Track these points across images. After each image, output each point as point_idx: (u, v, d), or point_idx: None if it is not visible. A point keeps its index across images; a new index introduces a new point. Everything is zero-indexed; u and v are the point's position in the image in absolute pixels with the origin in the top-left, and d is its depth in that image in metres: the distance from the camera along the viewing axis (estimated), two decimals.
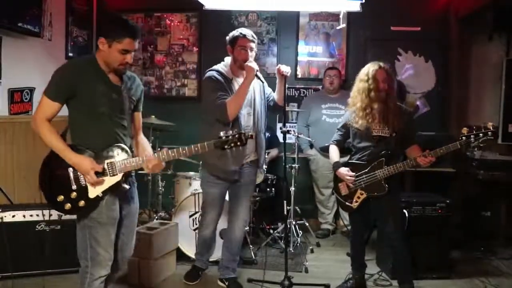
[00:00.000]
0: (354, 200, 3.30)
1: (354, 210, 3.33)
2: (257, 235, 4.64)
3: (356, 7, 4.25)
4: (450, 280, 3.70)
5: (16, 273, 3.35)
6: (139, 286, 3.48)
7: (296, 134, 4.45)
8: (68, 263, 3.42)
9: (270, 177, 4.48)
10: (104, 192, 2.34)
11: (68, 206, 2.31)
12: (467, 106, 5.12)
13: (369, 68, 3.23)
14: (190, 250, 3.88)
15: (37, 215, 3.54)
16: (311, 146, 4.87)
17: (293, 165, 4.38)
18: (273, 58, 5.30)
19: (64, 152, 2.29)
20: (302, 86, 5.32)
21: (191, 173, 4.45)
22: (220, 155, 3.19)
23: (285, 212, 3.28)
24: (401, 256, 3.28)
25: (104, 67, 2.37)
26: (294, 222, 4.44)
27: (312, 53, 5.31)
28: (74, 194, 2.31)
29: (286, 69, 3.20)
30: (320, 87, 5.23)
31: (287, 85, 3.30)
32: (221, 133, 2.42)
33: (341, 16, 4.83)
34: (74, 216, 2.43)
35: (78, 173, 2.31)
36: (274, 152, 4.79)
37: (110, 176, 2.34)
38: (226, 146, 2.41)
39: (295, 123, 5.20)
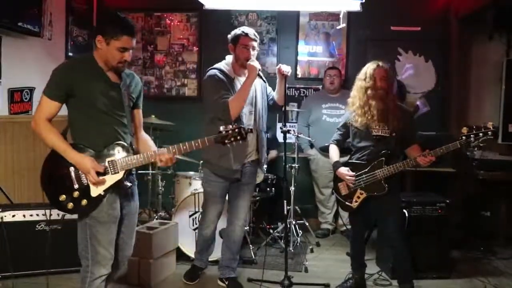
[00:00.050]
0: (354, 200, 3.30)
1: (354, 210, 3.33)
2: (257, 234, 4.64)
3: (356, 7, 4.25)
4: (450, 279, 3.70)
5: (16, 273, 3.35)
6: (139, 286, 3.48)
7: (296, 134, 4.45)
8: (68, 262, 3.42)
9: (270, 177, 4.48)
10: (106, 191, 2.34)
11: (70, 205, 2.31)
12: (467, 106, 5.12)
13: (368, 67, 3.25)
14: (190, 250, 3.88)
15: (37, 215, 3.54)
16: (312, 146, 4.87)
17: (293, 165, 4.38)
18: (273, 57, 5.30)
19: (65, 152, 2.29)
20: (302, 86, 5.32)
21: (191, 172, 4.46)
22: (223, 154, 3.19)
23: (285, 212, 3.29)
24: (401, 256, 3.28)
25: (102, 65, 2.37)
26: (294, 222, 4.44)
27: (312, 53, 5.31)
28: (76, 193, 2.31)
29: (286, 69, 3.21)
30: (320, 86, 5.24)
31: (287, 85, 3.30)
32: (221, 128, 2.42)
33: (341, 16, 4.82)
34: (75, 216, 2.43)
35: (80, 172, 2.31)
36: (273, 153, 4.80)
37: (112, 174, 2.34)
38: (226, 141, 2.41)
39: (295, 122, 5.20)
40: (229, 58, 3.32)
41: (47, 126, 2.30)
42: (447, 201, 3.72)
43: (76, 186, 2.31)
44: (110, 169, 2.34)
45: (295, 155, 4.42)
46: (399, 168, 3.13)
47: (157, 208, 4.74)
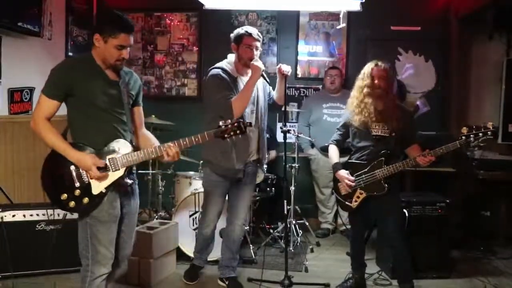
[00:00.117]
0: (354, 200, 3.30)
1: (353, 210, 3.33)
2: (257, 234, 4.64)
3: (356, 6, 4.25)
4: (450, 279, 3.70)
5: (16, 272, 3.35)
6: (139, 286, 3.49)
7: (296, 133, 4.45)
8: (68, 262, 3.42)
9: (270, 177, 4.48)
10: (107, 188, 2.34)
11: (72, 204, 2.31)
12: (467, 105, 5.12)
13: (367, 67, 3.26)
14: (190, 250, 3.88)
15: (37, 215, 3.54)
16: (312, 145, 4.87)
17: (293, 165, 4.39)
18: (273, 57, 5.29)
19: (65, 151, 2.29)
20: (302, 86, 5.32)
21: (191, 172, 4.46)
22: (225, 154, 3.19)
23: (285, 212, 3.29)
24: (401, 256, 3.28)
25: (100, 63, 2.37)
26: (294, 222, 4.44)
27: (312, 53, 5.31)
28: (77, 192, 2.31)
29: (287, 69, 3.20)
30: (320, 86, 5.24)
31: (287, 85, 3.30)
32: (220, 122, 2.42)
33: (341, 16, 4.82)
34: (76, 215, 2.43)
35: (81, 170, 2.31)
36: (272, 153, 4.79)
37: (113, 171, 2.34)
38: (226, 135, 2.40)
39: (295, 122, 5.20)
40: (231, 57, 3.31)
41: (46, 125, 2.30)
42: (447, 201, 3.72)
43: (77, 184, 2.31)
44: (111, 166, 2.34)
45: (295, 155, 4.42)
46: (398, 168, 3.13)
47: (157, 208, 4.74)
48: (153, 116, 4.56)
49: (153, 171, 4.72)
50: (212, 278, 3.63)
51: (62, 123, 2.41)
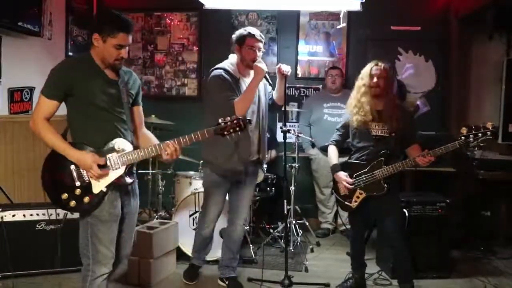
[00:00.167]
0: (353, 200, 3.29)
1: (353, 210, 3.33)
2: (257, 234, 4.64)
3: (356, 6, 4.25)
4: (450, 279, 3.70)
5: (17, 272, 3.35)
6: (139, 285, 3.49)
7: (296, 133, 4.45)
8: (69, 262, 3.42)
9: (270, 177, 4.48)
10: (108, 187, 2.34)
11: (73, 203, 2.31)
12: (467, 105, 5.12)
13: (367, 66, 3.27)
14: (190, 250, 3.85)
15: (37, 215, 3.54)
16: (313, 145, 4.87)
17: (293, 165, 4.39)
18: (273, 57, 5.29)
19: (65, 150, 2.29)
20: (302, 86, 5.32)
21: (191, 172, 4.47)
22: (227, 156, 3.18)
23: (285, 212, 3.28)
24: (401, 256, 3.28)
25: (100, 63, 2.38)
26: (294, 222, 4.44)
27: (312, 53, 5.31)
28: (78, 191, 2.31)
29: (286, 69, 3.19)
30: (320, 86, 5.24)
31: (287, 85, 3.29)
32: (220, 120, 2.41)
33: (341, 16, 4.82)
34: (77, 215, 2.43)
35: (81, 169, 2.31)
36: (272, 153, 4.79)
37: (113, 170, 2.34)
38: (225, 132, 2.40)
39: (295, 122, 5.20)
40: (233, 58, 3.29)
41: (45, 125, 2.30)
42: (447, 201, 3.72)
43: (77, 183, 2.32)
44: (111, 165, 2.34)
45: (295, 155, 4.42)
46: (398, 168, 3.13)
47: (157, 207, 4.74)
48: (153, 116, 4.56)
49: (153, 171, 4.72)
50: (212, 278, 3.63)
51: (62, 123, 2.41)
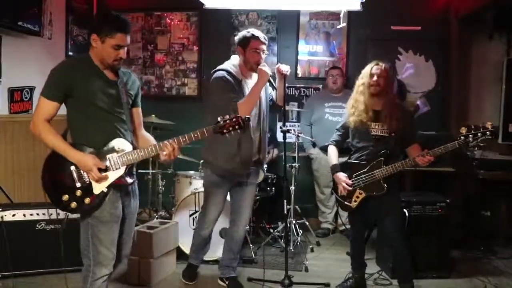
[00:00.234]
0: (353, 200, 3.29)
1: (353, 210, 3.33)
2: (257, 234, 4.64)
3: (356, 6, 4.25)
4: (450, 279, 3.70)
5: (16, 272, 3.35)
6: (139, 285, 3.48)
7: (296, 133, 4.45)
8: (69, 262, 3.42)
9: (270, 176, 4.48)
10: (109, 187, 2.34)
11: (74, 204, 2.31)
12: (467, 105, 5.12)
13: (367, 66, 3.28)
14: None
15: (38, 214, 3.54)
16: (314, 145, 4.87)
17: (293, 164, 4.39)
18: (273, 57, 5.28)
19: (65, 151, 2.29)
20: (302, 86, 5.32)
21: (191, 172, 4.47)
22: (228, 157, 3.17)
23: (285, 211, 3.28)
24: (401, 256, 3.28)
25: (98, 63, 2.38)
26: (294, 221, 4.44)
27: (312, 52, 5.31)
28: (79, 192, 2.31)
29: (285, 68, 3.19)
30: (320, 86, 5.24)
31: (287, 84, 3.28)
32: (219, 118, 2.41)
33: (341, 15, 4.82)
34: (78, 215, 2.42)
35: (81, 170, 2.31)
36: (274, 151, 4.79)
37: (113, 170, 2.34)
38: (225, 131, 2.40)
39: (296, 122, 5.20)
40: (235, 59, 3.27)
41: (46, 127, 2.30)
42: (447, 200, 3.72)
43: (78, 185, 2.32)
44: (112, 165, 2.34)
45: (295, 155, 4.42)
46: (398, 168, 3.13)
47: (157, 207, 4.74)
48: (153, 115, 4.56)
49: (153, 171, 4.73)
50: (212, 278, 3.63)
51: (62, 123, 2.42)
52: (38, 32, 4.25)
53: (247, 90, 3.19)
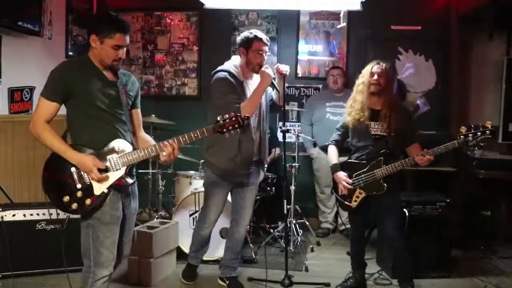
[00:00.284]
0: (353, 200, 3.29)
1: (353, 210, 3.33)
2: (258, 234, 4.64)
3: (356, 6, 4.25)
4: (450, 279, 3.70)
5: (17, 272, 3.35)
6: (139, 285, 3.48)
7: (296, 133, 4.45)
8: (69, 262, 3.41)
9: (270, 176, 4.48)
10: (109, 188, 2.34)
11: (74, 205, 2.31)
12: (468, 105, 5.12)
13: (367, 66, 3.29)
14: None
15: (38, 214, 3.54)
16: (315, 144, 4.87)
17: (293, 164, 4.38)
18: (273, 57, 5.27)
19: (66, 152, 2.29)
20: (302, 85, 5.32)
21: (191, 172, 4.46)
22: (230, 158, 3.17)
23: (285, 211, 3.28)
24: (401, 256, 3.28)
25: (98, 64, 2.38)
26: (294, 221, 4.44)
27: (312, 52, 5.30)
28: (79, 193, 2.31)
29: (285, 68, 3.19)
30: (320, 86, 5.24)
31: (287, 84, 3.28)
32: (218, 117, 2.42)
33: (341, 15, 4.82)
34: (79, 216, 2.42)
35: (82, 171, 2.31)
36: (277, 150, 4.79)
37: (114, 171, 2.34)
38: (224, 130, 2.40)
39: (295, 122, 5.20)
40: (236, 60, 3.26)
41: (46, 127, 2.30)
42: (448, 200, 3.72)
43: (78, 186, 2.31)
44: (112, 166, 2.34)
45: (295, 154, 4.42)
46: (397, 167, 3.13)
47: (157, 207, 4.74)
48: (153, 115, 4.56)
49: (153, 171, 4.73)
50: (212, 278, 3.63)
51: (62, 124, 2.42)
52: (38, 32, 4.25)
53: (248, 91, 3.19)
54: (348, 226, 4.20)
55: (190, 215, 3.99)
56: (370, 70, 3.22)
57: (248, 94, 3.18)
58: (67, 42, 4.80)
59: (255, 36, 3.15)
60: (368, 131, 3.24)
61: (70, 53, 4.79)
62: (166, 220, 3.99)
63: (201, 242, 3.53)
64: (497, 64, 4.80)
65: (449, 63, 5.09)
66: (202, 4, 4.42)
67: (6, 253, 3.30)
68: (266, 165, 3.70)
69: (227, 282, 3.47)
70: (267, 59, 3.21)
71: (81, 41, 4.99)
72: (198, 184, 4.06)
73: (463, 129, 2.96)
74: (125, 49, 2.38)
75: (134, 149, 2.41)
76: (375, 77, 3.19)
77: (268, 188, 4.46)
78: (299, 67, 5.32)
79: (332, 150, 3.42)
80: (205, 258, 3.71)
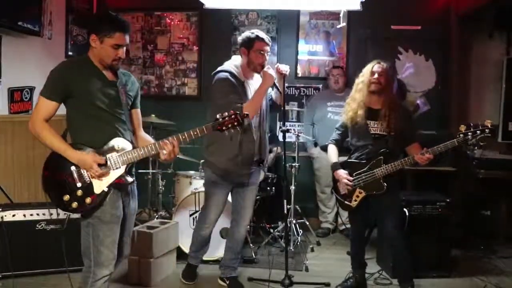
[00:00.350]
0: (353, 199, 3.29)
1: (353, 209, 3.33)
2: (258, 234, 4.64)
3: (356, 5, 4.25)
4: (450, 278, 3.70)
5: (17, 272, 3.34)
6: (139, 285, 3.48)
7: (296, 133, 4.45)
8: (69, 262, 3.41)
9: (270, 176, 4.47)
10: (109, 186, 2.34)
11: (75, 204, 2.31)
12: (468, 104, 5.12)
13: (368, 65, 3.29)
14: None
15: (38, 214, 3.54)
16: (316, 144, 4.87)
17: (293, 164, 4.38)
18: (273, 57, 5.27)
19: (65, 151, 2.29)
20: (302, 85, 5.32)
21: (191, 172, 4.46)
22: (230, 159, 3.16)
23: (285, 211, 3.28)
24: (401, 255, 3.28)
25: (98, 64, 2.39)
26: (294, 221, 4.44)
27: (312, 52, 5.31)
28: (79, 192, 2.31)
29: (285, 68, 3.19)
30: (320, 86, 5.24)
31: (287, 84, 3.28)
32: (218, 115, 2.42)
33: (341, 15, 4.82)
34: (79, 215, 2.42)
35: (81, 170, 2.31)
36: (278, 149, 4.78)
37: (113, 169, 2.34)
38: (224, 128, 2.40)
39: (295, 122, 5.20)
40: (237, 60, 3.25)
41: (45, 127, 2.30)
42: (447, 200, 3.72)
43: (78, 184, 2.31)
44: (112, 165, 2.34)
45: (295, 154, 4.42)
46: (397, 166, 3.13)
47: (157, 207, 4.74)
48: (153, 115, 4.56)
49: (153, 171, 4.72)
50: (212, 278, 3.63)
51: (61, 124, 2.42)
52: (38, 32, 4.25)
53: (249, 91, 3.19)
54: (348, 226, 4.21)
55: (190, 215, 3.99)
56: (371, 69, 3.22)
57: (249, 94, 3.18)
58: (67, 42, 4.80)
59: (257, 36, 3.15)
60: (368, 130, 3.24)
61: (70, 53, 4.79)
62: (166, 220, 3.99)
63: (201, 242, 3.53)
64: (497, 64, 4.80)
65: (449, 63, 5.09)
66: (202, 4, 4.42)
67: (6, 253, 3.30)
68: (266, 166, 3.70)
69: (227, 282, 3.47)
70: (268, 59, 3.20)
71: (81, 41, 4.99)
72: (198, 184, 4.06)
73: (462, 128, 2.97)
74: (124, 48, 2.38)
75: (133, 148, 2.41)
76: (376, 76, 3.19)
77: (268, 188, 4.46)
78: (299, 67, 5.32)
79: (332, 149, 3.42)
80: (205, 258, 3.71)
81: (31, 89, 4.25)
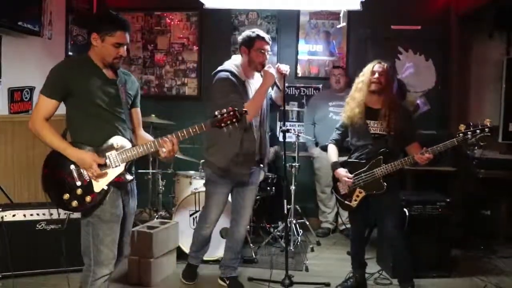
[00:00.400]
0: (353, 199, 3.29)
1: (353, 209, 3.33)
2: (258, 234, 4.64)
3: (356, 5, 4.25)
4: (450, 278, 3.70)
5: (17, 272, 3.34)
6: (139, 285, 3.48)
7: (296, 132, 4.45)
8: (69, 262, 3.42)
9: (270, 176, 4.48)
10: (109, 185, 2.34)
11: (74, 203, 2.31)
12: (468, 104, 5.12)
13: (368, 65, 3.29)
14: None
15: (38, 214, 3.54)
16: (317, 144, 4.87)
17: (294, 164, 4.38)
18: (273, 57, 5.26)
19: (65, 150, 2.30)
20: (302, 85, 5.32)
21: (192, 172, 4.46)
22: (231, 159, 3.16)
23: (285, 211, 3.28)
24: (401, 255, 3.28)
25: (98, 62, 2.39)
26: (294, 221, 4.44)
27: (312, 52, 5.30)
28: (79, 191, 2.31)
29: (285, 68, 3.18)
30: (320, 86, 5.24)
31: (287, 84, 3.28)
32: (216, 112, 2.42)
33: (341, 15, 4.83)
34: (79, 214, 2.42)
35: (81, 169, 2.31)
36: (277, 148, 4.78)
37: (113, 168, 2.35)
38: (222, 124, 2.40)
39: (295, 121, 5.20)
40: (237, 60, 3.25)
41: (45, 125, 2.31)
42: (448, 200, 3.72)
43: (78, 183, 2.32)
44: (111, 163, 2.34)
45: (295, 154, 4.42)
46: (397, 166, 3.13)
47: (157, 207, 4.74)
48: (153, 115, 4.56)
49: (153, 171, 4.72)
50: (212, 278, 3.63)
51: (61, 123, 2.42)
52: (38, 32, 4.24)
53: (250, 91, 3.19)
54: (348, 225, 4.21)
55: (190, 215, 3.99)
56: (371, 68, 3.22)
57: (250, 94, 3.18)
58: (67, 42, 4.80)
59: (257, 35, 3.15)
60: (368, 130, 3.24)
61: (70, 53, 4.79)
62: (166, 220, 3.99)
63: (201, 242, 3.52)
64: (497, 64, 4.80)
65: (449, 63, 5.09)
66: (202, 4, 4.42)
67: (6, 253, 3.30)
68: (266, 164, 3.69)
69: (227, 282, 3.47)
70: (268, 58, 3.20)
71: (81, 41, 4.99)
72: (198, 184, 4.06)
73: (462, 127, 2.97)
74: (125, 47, 2.39)
75: (133, 146, 2.41)
76: (376, 75, 3.19)
77: (268, 188, 4.46)
78: (299, 67, 5.32)
79: (332, 149, 3.43)
80: (205, 258, 3.71)
81: (31, 89, 4.25)
